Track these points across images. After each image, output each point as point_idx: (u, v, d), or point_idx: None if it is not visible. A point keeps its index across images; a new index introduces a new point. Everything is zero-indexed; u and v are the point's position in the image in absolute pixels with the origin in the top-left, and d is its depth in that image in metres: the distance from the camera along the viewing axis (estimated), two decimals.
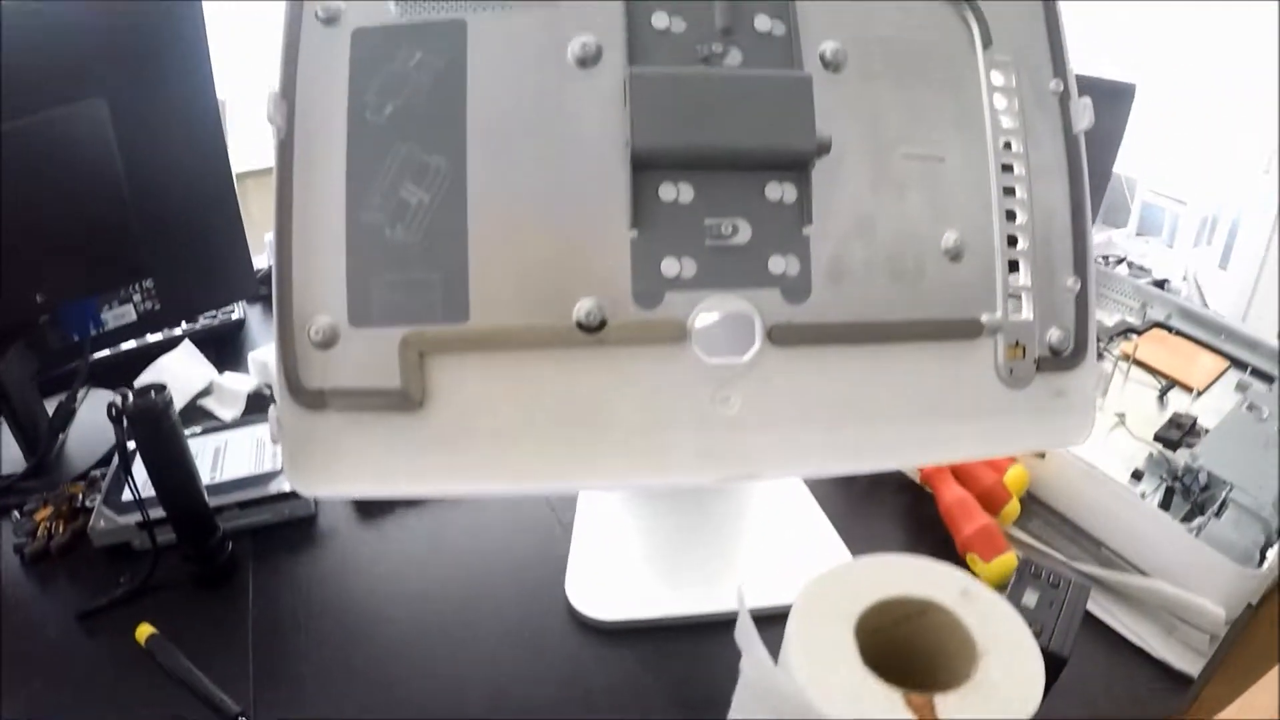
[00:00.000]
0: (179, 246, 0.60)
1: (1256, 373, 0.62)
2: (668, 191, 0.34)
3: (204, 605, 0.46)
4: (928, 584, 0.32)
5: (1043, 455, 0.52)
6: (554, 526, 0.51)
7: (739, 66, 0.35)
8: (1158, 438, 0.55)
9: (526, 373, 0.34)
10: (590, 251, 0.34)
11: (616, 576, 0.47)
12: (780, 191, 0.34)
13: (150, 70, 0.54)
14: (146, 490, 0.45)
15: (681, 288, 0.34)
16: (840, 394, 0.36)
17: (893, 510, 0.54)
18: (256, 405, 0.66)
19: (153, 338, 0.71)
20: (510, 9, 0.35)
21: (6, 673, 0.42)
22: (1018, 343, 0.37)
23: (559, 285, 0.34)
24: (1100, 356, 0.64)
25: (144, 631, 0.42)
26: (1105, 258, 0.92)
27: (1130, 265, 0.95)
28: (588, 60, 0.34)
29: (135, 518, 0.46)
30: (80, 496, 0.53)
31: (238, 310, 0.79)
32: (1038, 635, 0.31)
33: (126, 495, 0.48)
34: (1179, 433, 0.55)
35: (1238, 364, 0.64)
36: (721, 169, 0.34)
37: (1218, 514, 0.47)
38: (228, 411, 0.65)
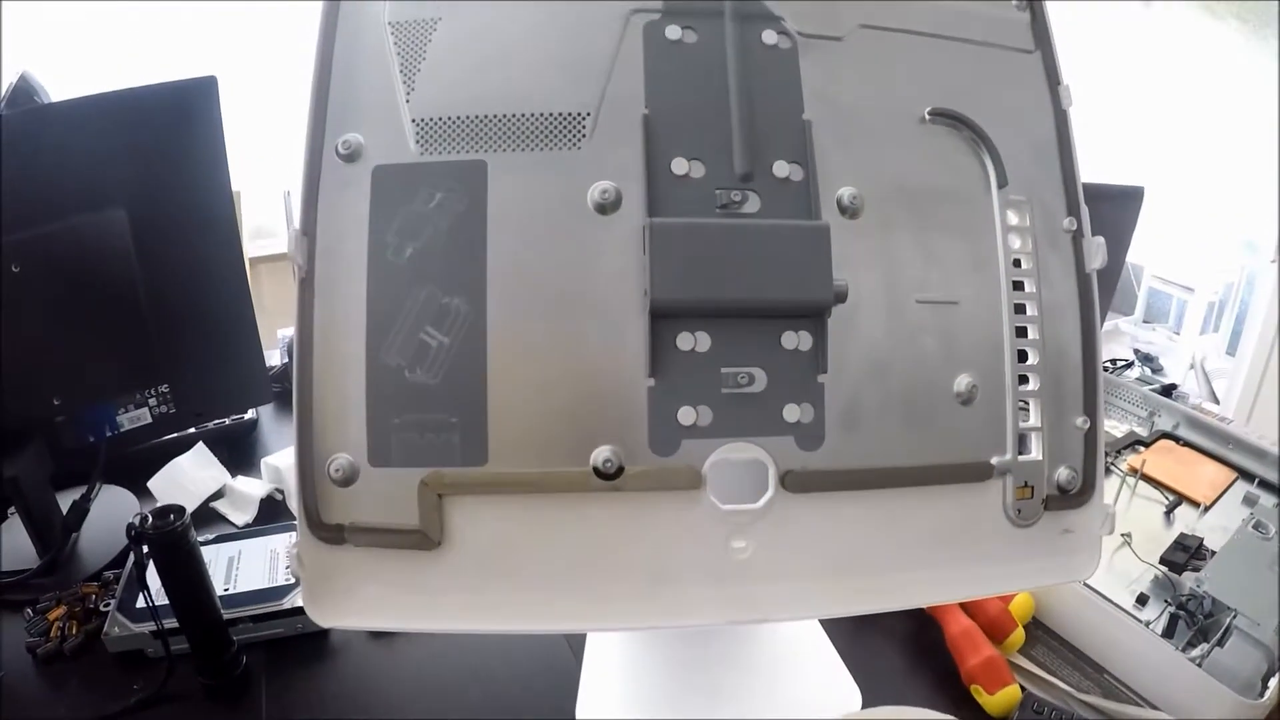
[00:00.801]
0: (195, 352, 0.61)
1: (1264, 484, 0.62)
2: (685, 341, 0.34)
3: (217, 717, 0.46)
4: None
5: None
6: (565, 651, 0.51)
7: (757, 213, 0.35)
8: (1163, 560, 0.55)
9: (543, 516, 0.34)
10: (608, 398, 0.34)
11: (628, 704, 0.47)
12: (796, 340, 0.35)
13: (168, 177, 0.56)
14: (160, 597, 0.46)
15: (697, 435, 0.34)
16: (851, 539, 0.36)
17: (897, 635, 0.54)
18: (269, 510, 0.66)
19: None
20: (531, 151, 0.35)
21: None
22: (1026, 483, 0.38)
23: (577, 431, 0.34)
24: (1107, 471, 0.64)
25: None
26: (1113, 362, 0.92)
27: (1137, 354, 0.94)
28: (607, 207, 0.35)
29: (149, 626, 0.46)
30: (94, 598, 0.53)
31: (251, 410, 0.79)
32: None
33: (141, 603, 0.48)
34: (1185, 555, 0.54)
35: (1245, 475, 0.64)
36: (739, 318, 0.34)
37: (1221, 642, 0.47)
38: (241, 516, 0.65)
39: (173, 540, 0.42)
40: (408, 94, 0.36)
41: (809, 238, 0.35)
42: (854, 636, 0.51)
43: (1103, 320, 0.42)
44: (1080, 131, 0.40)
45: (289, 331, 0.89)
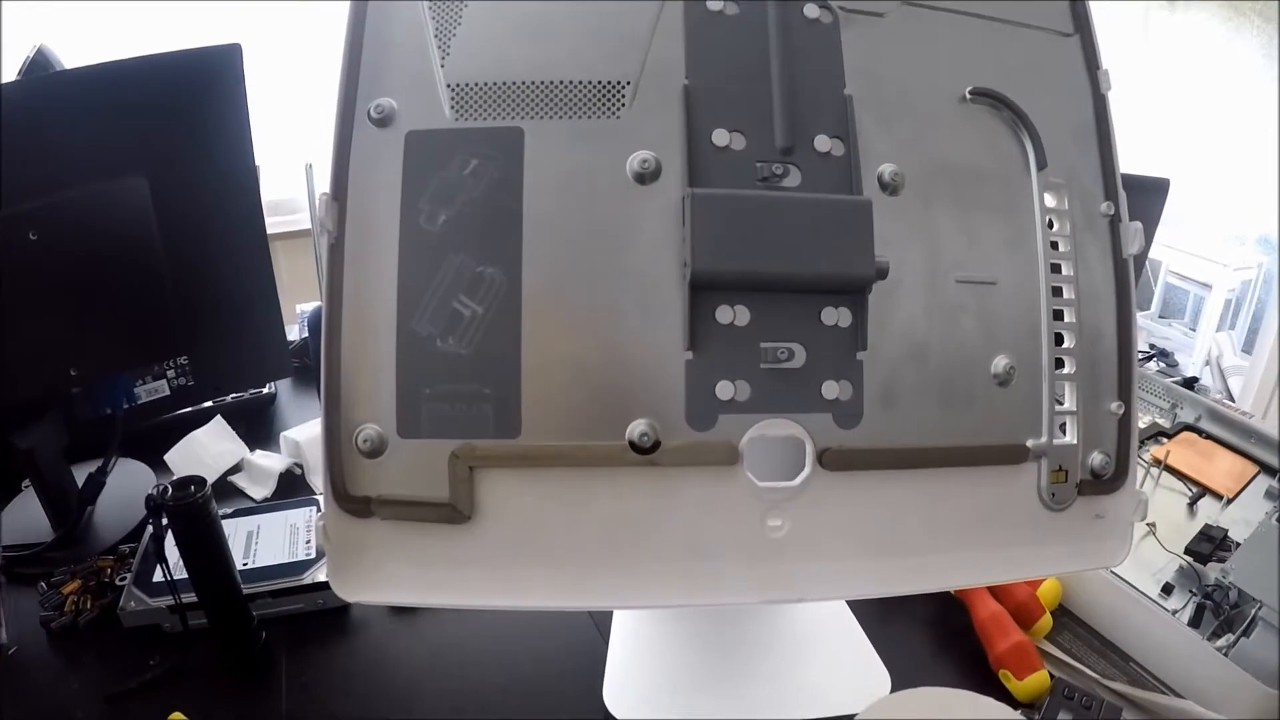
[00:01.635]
0: (215, 324, 0.60)
1: None
2: (724, 314, 0.34)
3: (236, 693, 0.46)
4: None
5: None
6: (590, 629, 0.51)
7: (798, 187, 0.35)
8: (1188, 550, 0.55)
9: (576, 491, 0.34)
10: (645, 371, 0.33)
11: (655, 682, 0.47)
12: (836, 316, 0.34)
13: (190, 146, 0.55)
14: (178, 571, 0.45)
15: (735, 410, 0.34)
16: (886, 519, 0.35)
17: (924, 618, 0.53)
18: (287, 484, 0.65)
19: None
20: (569, 119, 0.34)
21: None
22: (1061, 467, 0.37)
23: (612, 404, 0.33)
24: None
25: None
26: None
27: (1152, 348, 0.94)
28: (646, 177, 0.34)
29: (166, 600, 0.45)
30: (109, 571, 0.52)
31: (269, 384, 0.78)
32: None
33: (158, 576, 0.47)
34: (1210, 546, 0.54)
35: (1267, 469, 0.64)
36: (779, 292, 0.34)
37: (1246, 632, 0.47)
38: (259, 490, 0.64)
39: (193, 512, 0.41)
40: (442, 59, 0.35)
41: (851, 212, 0.34)
42: (880, 619, 0.51)
43: None
44: None
45: (308, 306, 0.88)
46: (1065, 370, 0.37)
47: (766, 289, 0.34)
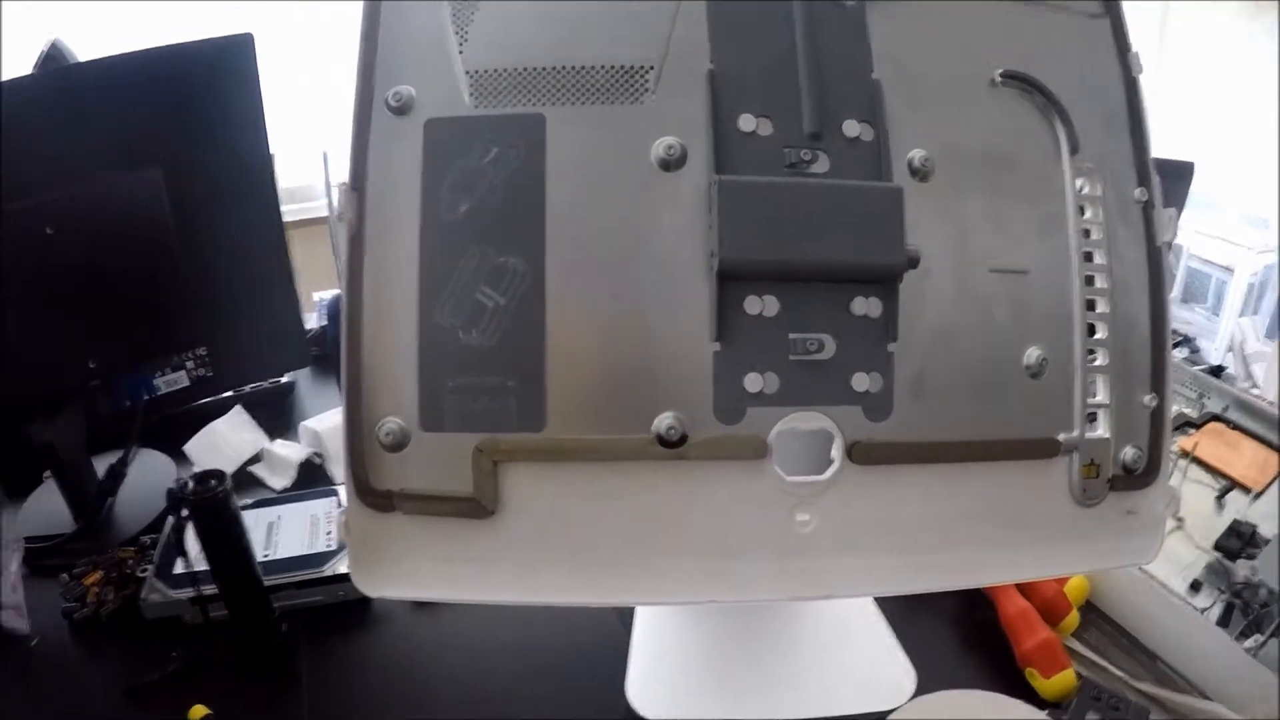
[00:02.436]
0: (233, 315, 0.60)
1: None
2: (753, 304, 0.33)
3: (257, 686, 0.46)
4: None
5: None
6: (614, 623, 0.50)
7: (826, 173, 0.34)
8: (1218, 546, 0.53)
9: (602, 485, 0.33)
10: (671, 363, 0.33)
11: (679, 678, 0.46)
12: (866, 306, 0.34)
13: (206, 141, 0.54)
14: (199, 563, 0.45)
15: (764, 403, 0.33)
16: (916, 515, 0.35)
17: (950, 613, 0.52)
18: (307, 474, 0.65)
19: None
20: (591, 105, 0.34)
21: None
22: (1092, 461, 0.37)
23: (639, 397, 0.33)
24: None
25: (197, 713, 0.42)
26: None
27: (1175, 334, 0.93)
28: (671, 164, 0.33)
29: (188, 592, 0.45)
30: (130, 563, 0.52)
31: (288, 374, 0.78)
32: None
33: (179, 568, 0.47)
34: (1239, 542, 0.53)
35: None
36: (808, 282, 0.33)
37: (1276, 633, 0.46)
38: (279, 480, 0.64)
39: (215, 505, 0.41)
40: (461, 44, 0.34)
41: (882, 200, 0.33)
42: (905, 616, 0.50)
43: None
44: None
45: (325, 294, 0.88)
46: (1097, 362, 0.37)
47: (796, 279, 0.33)
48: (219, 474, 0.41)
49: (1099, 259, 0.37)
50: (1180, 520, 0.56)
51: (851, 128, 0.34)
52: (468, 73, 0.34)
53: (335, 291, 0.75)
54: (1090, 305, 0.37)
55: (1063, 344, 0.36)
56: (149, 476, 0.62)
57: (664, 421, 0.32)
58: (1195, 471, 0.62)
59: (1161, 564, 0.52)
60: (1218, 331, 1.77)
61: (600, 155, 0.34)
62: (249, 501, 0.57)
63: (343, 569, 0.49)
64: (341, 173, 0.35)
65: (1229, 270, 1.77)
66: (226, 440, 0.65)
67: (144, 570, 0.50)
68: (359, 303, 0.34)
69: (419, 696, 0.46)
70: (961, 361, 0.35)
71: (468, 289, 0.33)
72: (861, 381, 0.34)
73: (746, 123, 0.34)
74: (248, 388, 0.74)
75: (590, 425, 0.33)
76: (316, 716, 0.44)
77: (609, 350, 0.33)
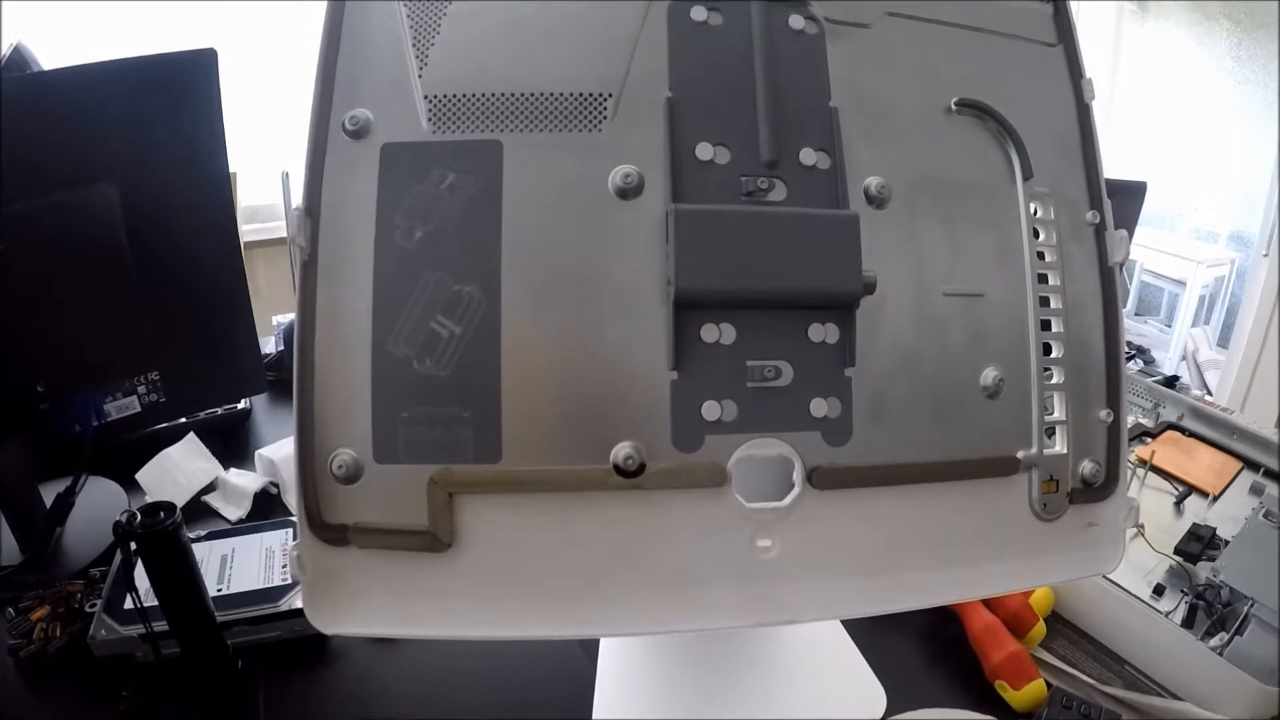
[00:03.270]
0: (187, 339, 0.58)
1: (1269, 473, 0.63)
2: (710, 333, 0.33)
3: None
4: None
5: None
6: (579, 654, 0.49)
7: (783, 201, 0.34)
8: (1178, 551, 0.55)
9: (560, 516, 0.33)
10: (629, 392, 0.32)
11: (646, 708, 0.45)
12: (823, 333, 0.34)
13: (163, 153, 0.53)
14: (150, 598, 0.43)
15: (722, 431, 0.33)
16: (878, 537, 0.35)
17: (916, 630, 0.53)
18: (263, 504, 0.64)
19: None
20: (549, 133, 0.34)
21: None
22: (1051, 476, 0.37)
23: (596, 426, 0.32)
24: None
25: None
26: None
27: (1130, 346, 0.95)
28: (629, 192, 0.33)
29: (138, 629, 0.44)
30: (79, 597, 0.50)
31: (244, 400, 0.77)
32: None
33: (129, 604, 0.45)
34: (1199, 545, 0.55)
35: (1250, 464, 0.65)
36: (765, 309, 0.33)
37: (1240, 630, 0.47)
38: (234, 510, 0.63)
39: (163, 540, 0.39)
40: (420, 69, 0.34)
41: (838, 227, 0.33)
42: (872, 635, 0.50)
43: None
44: None
45: (285, 318, 0.86)
46: (1054, 380, 0.37)
47: (752, 306, 0.33)
48: (169, 506, 0.40)
49: (1053, 280, 0.37)
50: (1140, 527, 0.57)
51: (809, 156, 0.35)
52: (426, 97, 0.34)
53: (293, 315, 0.74)
54: (1045, 325, 0.37)
55: (1019, 364, 0.36)
56: (99, 505, 0.60)
57: (622, 451, 0.32)
58: (1153, 479, 0.64)
59: (1124, 571, 0.52)
60: (1171, 342, 1.83)
61: (558, 183, 0.33)
62: (202, 533, 0.56)
63: (299, 603, 0.48)
64: (299, 196, 0.34)
65: (1181, 284, 1.83)
66: (180, 468, 0.64)
67: (93, 605, 0.49)
68: (311, 330, 0.33)
69: None
70: (919, 384, 0.35)
71: (422, 317, 0.33)
72: (820, 407, 0.34)
73: (704, 151, 0.34)
74: (202, 414, 0.72)
75: (547, 456, 0.32)
76: None
77: (566, 379, 0.32)
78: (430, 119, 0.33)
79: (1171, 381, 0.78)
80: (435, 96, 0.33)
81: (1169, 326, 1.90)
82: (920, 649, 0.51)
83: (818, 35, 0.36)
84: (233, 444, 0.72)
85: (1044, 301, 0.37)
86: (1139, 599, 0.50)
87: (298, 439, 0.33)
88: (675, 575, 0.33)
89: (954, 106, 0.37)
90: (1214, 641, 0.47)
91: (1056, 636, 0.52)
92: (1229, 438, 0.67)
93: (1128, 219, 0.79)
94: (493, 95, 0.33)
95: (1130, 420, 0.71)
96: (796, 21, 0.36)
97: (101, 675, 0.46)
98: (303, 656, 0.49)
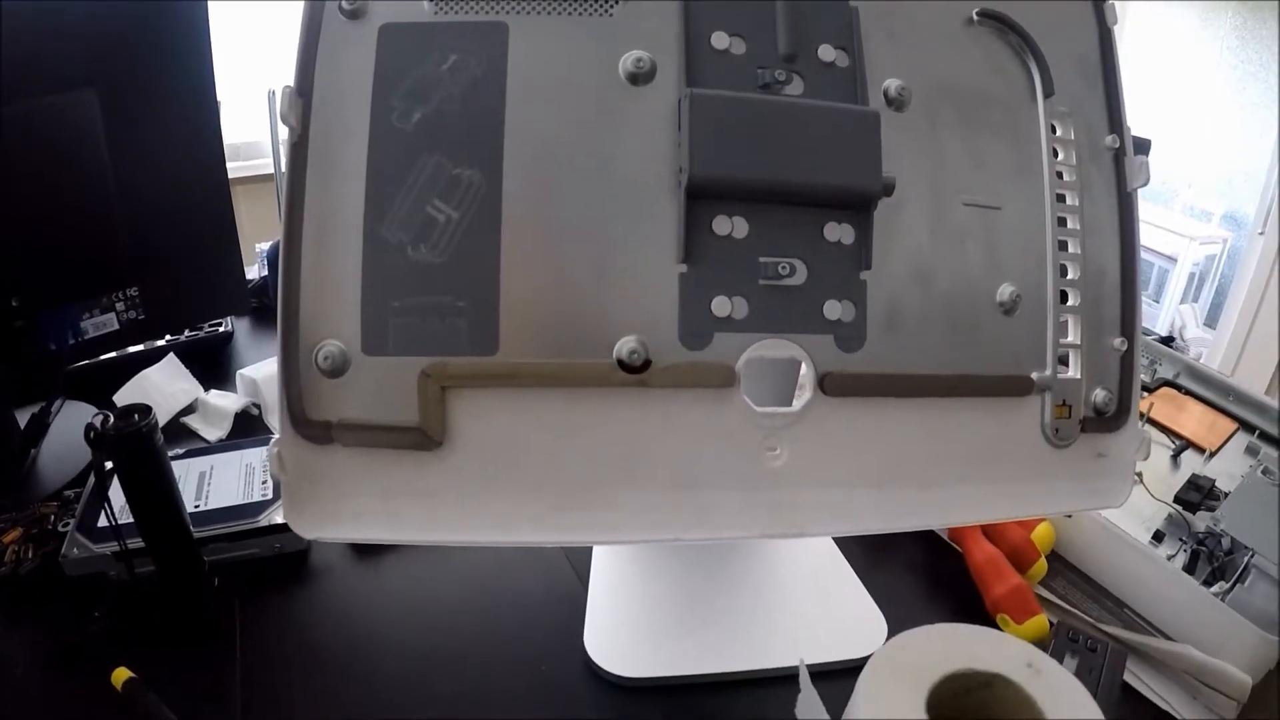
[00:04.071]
0: (168, 254, 0.56)
1: (1264, 436, 0.63)
2: (722, 225, 0.31)
3: (187, 645, 0.42)
4: (994, 655, 0.31)
5: (1069, 514, 0.51)
6: (568, 571, 0.48)
7: (800, 96, 0.33)
8: (1177, 499, 0.54)
9: (559, 413, 0.31)
10: (635, 284, 0.31)
11: (638, 630, 0.44)
12: (839, 232, 0.32)
13: (147, 64, 0.50)
14: (124, 516, 0.41)
15: (732, 329, 0.31)
16: (889, 449, 0.33)
17: (915, 562, 0.51)
18: (244, 425, 0.62)
19: (134, 348, 0.66)
20: (557, 15, 0.32)
21: None
22: (1065, 401, 0.36)
23: (600, 319, 0.31)
24: None
25: (121, 675, 0.38)
26: None
27: None
28: (640, 78, 0.32)
29: (111, 546, 0.42)
30: (52, 519, 0.49)
31: (226, 323, 0.74)
32: None
33: (103, 521, 0.43)
34: (1199, 495, 0.54)
35: (1246, 426, 0.65)
36: (780, 204, 0.32)
37: (1240, 579, 0.46)
38: (213, 431, 0.61)
39: (137, 442, 0.37)
40: None
41: (858, 123, 0.32)
42: (871, 564, 0.49)
43: None
44: None
45: (266, 245, 0.83)
46: (1069, 302, 0.36)
47: (767, 200, 0.32)
48: (143, 408, 0.38)
49: (1071, 200, 0.36)
50: (1139, 475, 0.57)
51: (827, 52, 0.33)
52: None
53: (277, 240, 0.71)
54: (1062, 246, 0.36)
55: (1035, 282, 0.35)
56: (75, 429, 0.56)
57: (626, 345, 0.30)
58: (1150, 432, 0.63)
59: (1123, 516, 0.52)
60: (1159, 316, 1.84)
61: (565, 66, 0.32)
62: (180, 451, 0.54)
63: (279, 519, 0.46)
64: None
65: (1171, 260, 1.85)
66: (159, 389, 0.61)
67: (65, 525, 0.47)
68: (299, 216, 0.31)
69: (361, 654, 0.43)
70: (935, 294, 0.34)
71: (418, 202, 0.31)
72: (834, 310, 0.32)
73: (719, 40, 0.32)
74: (183, 336, 0.69)
75: (547, 349, 0.31)
76: (250, 677, 0.41)
77: (569, 269, 0.31)
78: None
79: (1168, 341, 0.78)
80: None
81: (1157, 302, 1.91)
82: (919, 580, 0.50)
83: None
84: (214, 367, 0.69)
85: (1061, 222, 0.36)
86: (1142, 543, 0.49)
87: (282, 330, 0.31)
88: (677, 479, 0.32)
89: (975, 17, 0.36)
90: (1214, 589, 0.46)
91: (1055, 576, 0.51)
92: (1224, 399, 0.66)
93: None
94: None
95: None
96: None
97: (74, 596, 0.44)
98: (282, 574, 0.47)
